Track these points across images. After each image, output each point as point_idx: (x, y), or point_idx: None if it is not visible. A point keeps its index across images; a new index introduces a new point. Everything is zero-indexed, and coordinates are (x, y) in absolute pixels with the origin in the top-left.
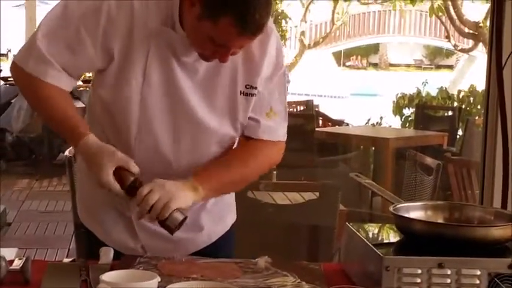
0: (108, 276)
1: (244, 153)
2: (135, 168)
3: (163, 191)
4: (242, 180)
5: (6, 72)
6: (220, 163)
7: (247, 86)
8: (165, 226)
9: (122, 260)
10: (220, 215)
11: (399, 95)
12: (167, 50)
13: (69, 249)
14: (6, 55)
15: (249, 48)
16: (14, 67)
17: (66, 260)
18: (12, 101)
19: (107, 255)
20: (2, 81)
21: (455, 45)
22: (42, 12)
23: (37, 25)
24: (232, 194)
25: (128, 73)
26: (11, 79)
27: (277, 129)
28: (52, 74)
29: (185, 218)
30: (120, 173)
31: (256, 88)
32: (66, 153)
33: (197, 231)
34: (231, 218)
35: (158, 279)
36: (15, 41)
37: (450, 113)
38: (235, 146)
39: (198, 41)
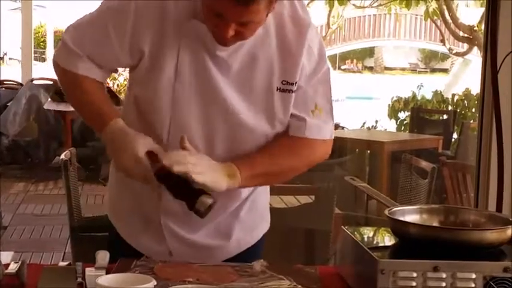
0: (104, 280)
1: (290, 147)
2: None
3: (199, 162)
4: (283, 174)
5: (2, 76)
6: (265, 152)
7: (284, 82)
8: (194, 209)
9: (118, 264)
10: (252, 225)
11: (394, 98)
12: (199, 45)
13: (64, 253)
14: (2, 58)
15: (285, 43)
16: (53, 64)
17: (61, 264)
18: (8, 104)
19: (103, 258)
20: None
21: (450, 49)
22: (38, 16)
23: (33, 29)
24: (267, 204)
25: (159, 69)
26: (7, 82)
27: (323, 127)
28: (82, 66)
29: (214, 203)
30: (151, 157)
31: (294, 84)
32: (62, 156)
33: (226, 240)
34: (262, 227)
35: (154, 282)
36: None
37: (445, 116)
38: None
39: (205, 15)
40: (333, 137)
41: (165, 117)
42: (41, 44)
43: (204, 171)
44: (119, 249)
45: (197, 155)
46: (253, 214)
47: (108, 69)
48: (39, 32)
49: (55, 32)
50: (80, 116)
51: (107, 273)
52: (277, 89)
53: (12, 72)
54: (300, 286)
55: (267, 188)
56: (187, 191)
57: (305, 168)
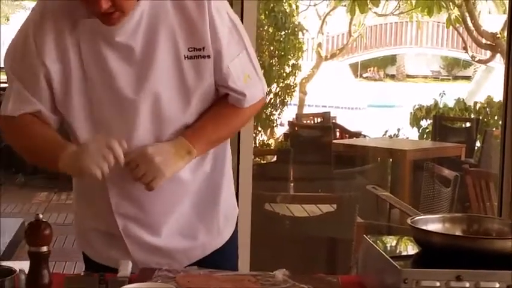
0: None
1: (234, 111)
2: (123, 144)
3: (151, 165)
4: (229, 136)
5: None
6: (208, 121)
7: (191, 49)
8: None
9: (140, 273)
10: (217, 229)
11: (416, 106)
12: (97, 40)
13: None
14: None
15: (185, 9)
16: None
17: (84, 273)
18: None
19: (125, 267)
20: None
21: (472, 56)
22: None
23: None
24: (233, 207)
25: (69, 79)
26: None
27: (256, 90)
28: (13, 107)
29: None
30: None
31: (202, 49)
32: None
33: (191, 242)
34: (228, 231)
35: None
36: None
37: (468, 124)
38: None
39: (80, 1)
40: (265, 93)
41: (86, 121)
42: None
43: (163, 169)
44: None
45: (150, 153)
46: (218, 216)
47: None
48: None
49: None
50: (31, 160)
51: (129, 282)
52: (185, 57)
53: None
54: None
55: (233, 191)
56: None
57: (249, 120)
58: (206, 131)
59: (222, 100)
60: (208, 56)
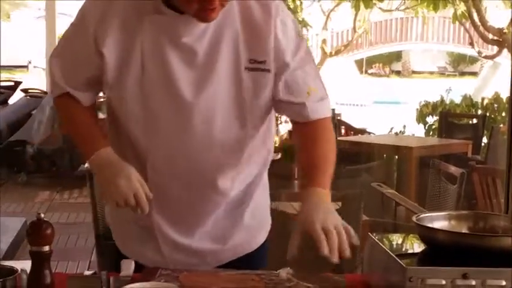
0: None
1: (312, 138)
2: (149, 194)
3: (340, 235)
4: (332, 159)
5: (27, 84)
6: (312, 158)
7: (252, 61)
8: None
9: (143, 272)
10: (250, 232)
11: (422, 102)
12: (163, 38)
13: (90, 262)
14: (26, 67)
15: (251, 21)
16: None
17: (87, 273)
18: (33, 112)
19: (128, 267)
20: (22, 92)
21: (479, 52)
22: (62, 24)
23: (57, 37)
24: (267, 211)
25: (126, 71)
26: (31, 91)
27: (322, 105)
28: (69, 93)
29: None
30: None
31: (264, 62)
32: (87, 165)
33: (221, 245)
34: (261, 236)
35: None
36: (35, 53)
37: (475, 120)
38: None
39: None
40: (330, 114)
41: (139, 115)
42: None
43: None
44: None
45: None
46: (253, 221)
47: (92, 87)
48: None
49: None
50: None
51: (132, 282)
52: (245, 69)
53: (37, 81)
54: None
55: (267, 195)
56: None
57: (335, 147)
58: (325, 169)
59: (307, 132)
60: (269, 70)
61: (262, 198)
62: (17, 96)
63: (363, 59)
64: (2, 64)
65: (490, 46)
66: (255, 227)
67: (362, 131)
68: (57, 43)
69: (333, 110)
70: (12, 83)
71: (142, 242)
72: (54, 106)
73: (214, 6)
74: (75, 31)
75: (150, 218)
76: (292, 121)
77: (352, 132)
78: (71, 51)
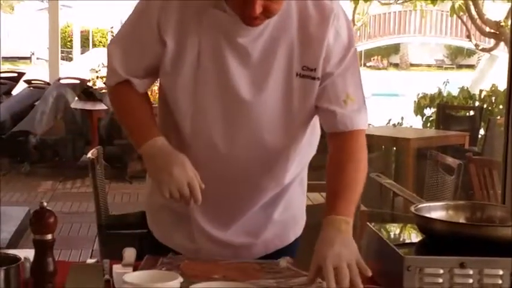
0: (130, 277)
1: (341, 159)
2: (202, 184)
3: (347, 261)
4: (359, 185)
5: (30, 75)
6: (337, 184)
7: (304, 68)
8: None
9: (144, 261)
10: (284, 228)
11: (420, 95)
12: (219, 34)
13: (92, 250)
14: (29, 58)
15: (307, 27)
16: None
17: (89, 261)
18: (36, 103)
19: (129, 255)
20: (25, 84)
21: (476, 45)
22: (65, 15)
23: (60, 29)
24: (302, 207)
25: (182, 58)
26: (35, 82)
27: (357, 115)
28: (124, 82)
29: None
30: None
31: (314, 70)
32: (89, 155)
33: (254, 239)
34: (295, 231)
35: (180, 279)
36: (38, 45)
37: (472, 112)
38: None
39: None
40: (366, 126)
41: (187, 109)
42: (68, 43)
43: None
44: (151, 245)
45: (335, 252)
46: (286, 216)
47: (150, 74)
48: (66, 32)
49: (81, 32)
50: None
51: (134, 270)
52: (296, 75)
53: (40, 72)
54: (324, 282)
55: (304, 191)
56: None
57: (366, 165)
58: (350, 197)
59: (338, 149)
60: (318, 78)
61: (296, 194)
62: (20, 87)
63: (361, 51)
64: (5, 55)
65: (487, 39)
66: (288, 223)
67: None
68: (117, 29)
69: None
70: (16, 74)
71: (177, 229)
72: (109, 94)
73: (255, 16)
74: (139, 18)
75: (187, 209)
76: (326, 132)
77: None
78: (134, 38)
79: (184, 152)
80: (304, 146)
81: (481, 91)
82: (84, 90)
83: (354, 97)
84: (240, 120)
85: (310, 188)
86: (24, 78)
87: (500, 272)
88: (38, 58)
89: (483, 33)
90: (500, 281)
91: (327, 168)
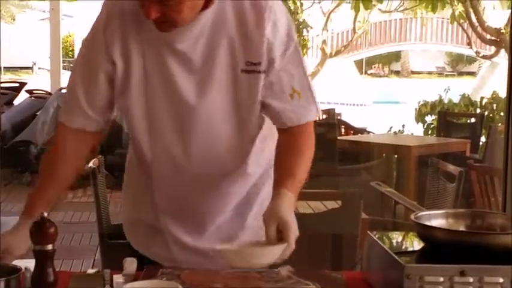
0: (131, 287)
1: (293, 143)
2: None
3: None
4: (307, 168)
5: (31, 85)
6: (294, 165)
7: (248, 63)
8: None
9: (145, 271)
10: (257, 233)
11: (421, 102)
12: (160, 43)
13: (94, 260)
14: (31, 68)
15: (245, 23)
16: None
17: (90, 271)
18: (37, 113)
19: (130, 265)
20: (27, 93)
21: (477, 52)
22: (66, 25)
23: (61, 38)
24: None
25: (130, 77)
26: (36, 92)
27: (303, 110)
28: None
29: None
30: None
31: (258, 64)
32: (90, 164)
33: (230, 245)
34: None
35: None
36: (39, 55)
37: (473, 120)
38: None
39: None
40: (317, 116)
41: (143, 123)
42: (70, 53)
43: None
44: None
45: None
46: (260, 220)
47: (109, 106)
48: (67, 42)
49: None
50: None
51: (135, 280)
52: (241, 71)
53: (42, 82)
54: (312, 285)
55: None
56: None
57: (311, 155)
58: (298, 176)
59: (287, 138)
60: (264, 71)
61: (270, 195)
62: (21, 97)
63: (362, 59)
64: (7, 65)
65: (488, 46)
66: (261, 228)
67: (362, 131)
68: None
69: (333, 109)
70: (17, 84)
71: (152, 240)
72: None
73: (151, 19)
74: (87, 48)
75: (158, 220)
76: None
77: (352, 132)
78: (89, 68)
79: (148, 168)
80: (260, 146)
81: (482, 98)
82: None
83: (300, 90)
84: (191, 126)
85: (311, 197)
86: (26, 88)
87: (501, 280)
88: (39, 68)
89: (484, 40)
90: None
91: (275, 153)
